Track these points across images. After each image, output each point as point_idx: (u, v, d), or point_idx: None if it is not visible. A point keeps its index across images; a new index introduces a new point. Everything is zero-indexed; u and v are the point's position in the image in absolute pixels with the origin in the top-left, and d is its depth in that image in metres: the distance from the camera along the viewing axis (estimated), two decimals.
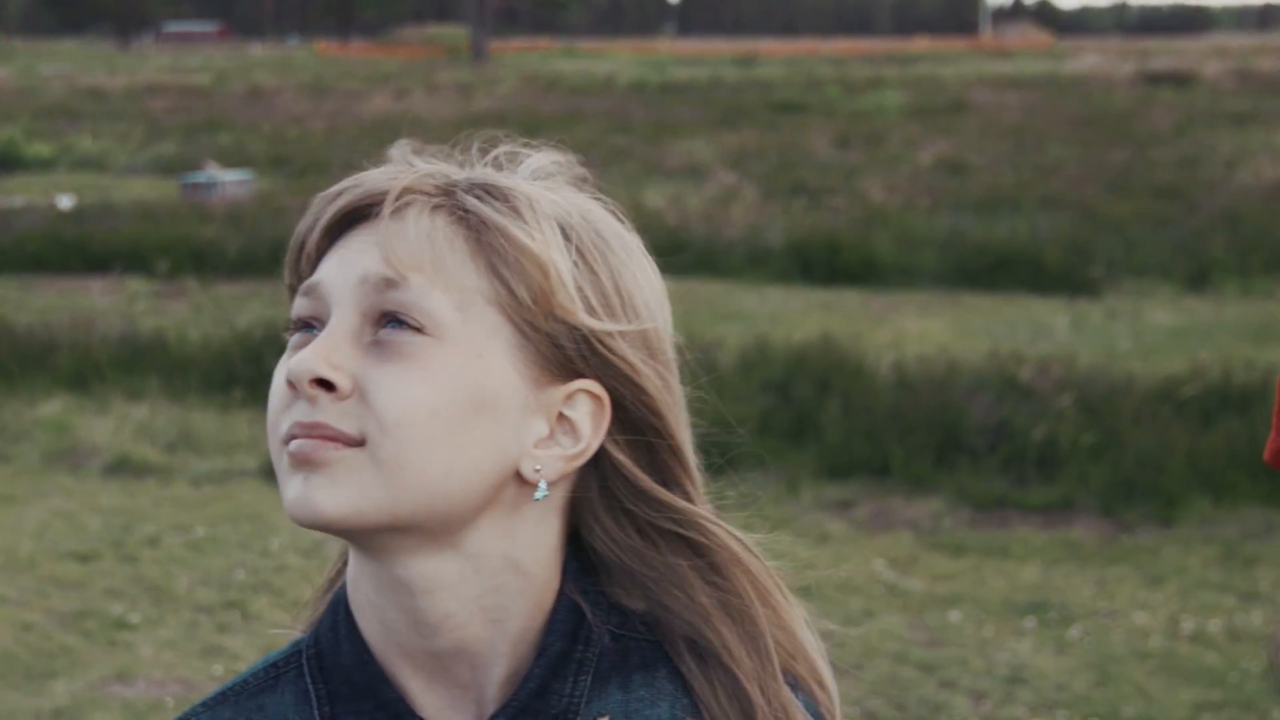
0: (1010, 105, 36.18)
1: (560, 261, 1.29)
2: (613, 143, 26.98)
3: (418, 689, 1.31)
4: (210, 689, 6.29)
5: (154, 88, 47.39)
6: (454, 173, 1.33)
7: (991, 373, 10.20)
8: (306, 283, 1.30)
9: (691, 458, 1.36)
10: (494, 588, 1.29)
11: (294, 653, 1.37)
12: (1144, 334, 12.93)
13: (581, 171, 1.38)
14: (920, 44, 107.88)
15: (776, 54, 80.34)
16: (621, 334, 1.31)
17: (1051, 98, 38.65)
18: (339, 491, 1.22)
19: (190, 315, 13.79)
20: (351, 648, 1.32)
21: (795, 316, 13.46)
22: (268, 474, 9.18)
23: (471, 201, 1.29)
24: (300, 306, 1.30)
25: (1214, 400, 9.64)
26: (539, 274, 1.28)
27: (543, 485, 1.30)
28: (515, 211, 1.29)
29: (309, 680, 1.34)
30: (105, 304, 14.46)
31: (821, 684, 1.39)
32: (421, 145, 1.38)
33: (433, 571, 1.27)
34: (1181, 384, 9.87)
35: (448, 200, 1.30)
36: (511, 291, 1.27)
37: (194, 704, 1.38)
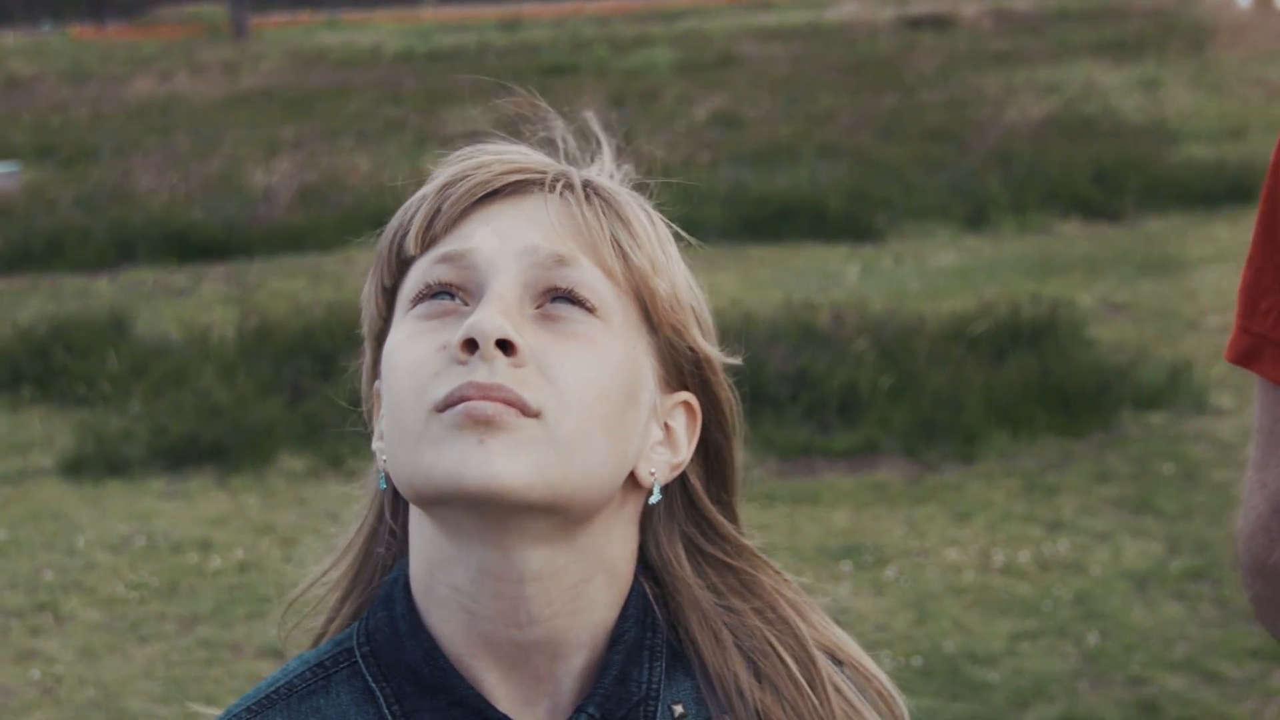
0: (778, 56, 36.50)
1: (681, 282, 1.32)
2: (386, 114, 26.68)
3: (493, 682, 1.27)
4: (29, 695, 6.18)
5: None
6: (583, 169, 1.34)
7: (787, 322, 10.31)
8: (449, 249, 1.27)
9: (740, 489, 1.38)
10: (586, 579, 1.27)
11: (341, 651, 1.31)
12: (930, 275, 13.15)
13: (638, 180, 1.39)
14: None
15: (540, 15, 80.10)
16: (718, 359, 1.35)
17: (817, 47, 39.05)
18: (518, 462, 1.20)
19: None
20: (417, 644, 1.27)
21: None
22: (65, 471, 8.98)
23: (606, 206, 1.30)
24: (440, 273, 1.27)
25: (1005, 336, 9.84)
26: (669, 289, 1.30)
27: (656, 489, 1.30)
28: (648, 223, 1.31)
29: (369, 679, 1.29)
30: None
31: (870, 677, 1.39)
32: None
33: (549, 560, 1.25)
34: (971, 322, 10.06)
35: (589, 194, 1.30)
36: (648, 296, 1.29)
37: (233, 706, 1.31)
